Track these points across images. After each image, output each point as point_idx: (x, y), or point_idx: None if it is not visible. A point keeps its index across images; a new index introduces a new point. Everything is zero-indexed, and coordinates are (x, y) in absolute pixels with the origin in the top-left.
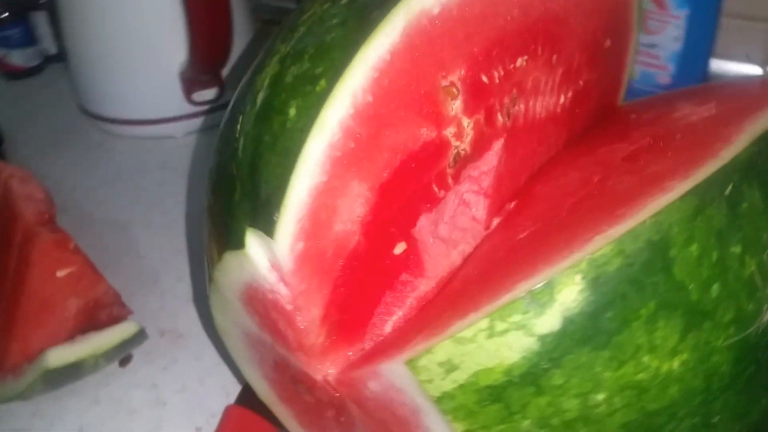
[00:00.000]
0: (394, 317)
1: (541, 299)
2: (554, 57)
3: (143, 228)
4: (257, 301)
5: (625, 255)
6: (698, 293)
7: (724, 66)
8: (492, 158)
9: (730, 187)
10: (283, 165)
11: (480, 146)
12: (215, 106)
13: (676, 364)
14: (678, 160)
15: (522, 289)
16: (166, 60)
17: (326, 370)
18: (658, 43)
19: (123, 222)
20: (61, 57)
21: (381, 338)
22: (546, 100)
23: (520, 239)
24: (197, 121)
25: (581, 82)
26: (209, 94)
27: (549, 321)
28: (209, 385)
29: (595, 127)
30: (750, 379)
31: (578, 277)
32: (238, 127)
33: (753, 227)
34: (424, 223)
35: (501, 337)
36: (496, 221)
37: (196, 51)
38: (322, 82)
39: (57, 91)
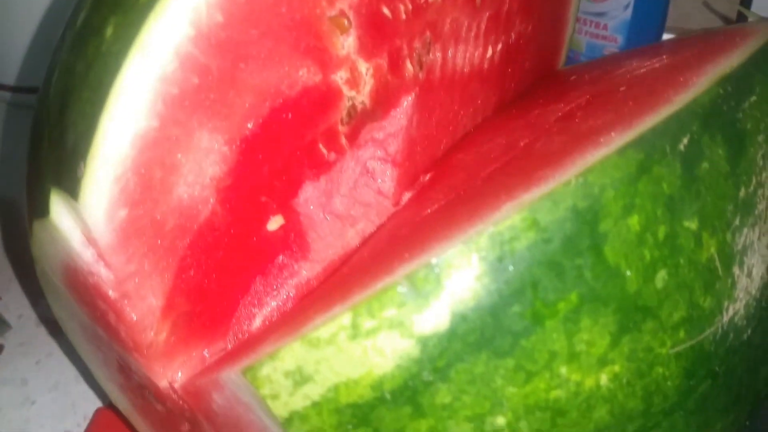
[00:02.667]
0: (266, 309)
1: (424, 287)
2: None
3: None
4: (80, 285)
5: (539, 228)
6: (638, 282)
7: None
8: (401, 117)
9: (686, 139)
10: (93, 102)
11: (384, 100)
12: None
13: (605, 378)
14: (620, 112)
15: (399, 273)
16: None
17: (173, 374)
18: (606, 12)
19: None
20: None
21: (247, 336)
22: (470, 51)
23: (426, 215)
24: None
25: (513, 34)
26: None
27: (434, 317)
28: (84, 384)
29: (531, 91)
30: (703, 398)
31: (475, 258)
32: (56, 57)
33: (715, 195)
34: (309, 193)
35: (369, 338)
36: (407, 195)
37: None
38: None
39: None
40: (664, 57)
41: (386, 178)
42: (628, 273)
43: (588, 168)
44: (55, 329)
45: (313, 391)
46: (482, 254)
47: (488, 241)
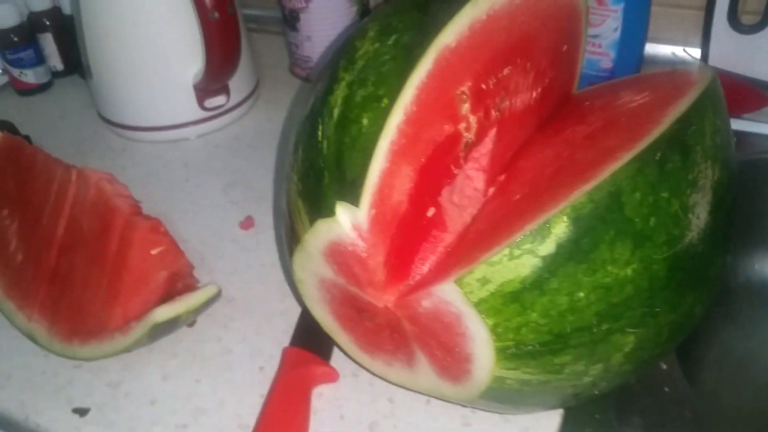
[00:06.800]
0: (429, 261)
1: (542, 233)
2: (528, 64)
3: (180, 218)
4: (338, 253)
5: (594, 201)
6: (641, 224)
7: (656, 49)
8: (488, 143)
9: (659, 153)
10: (362, 158)
11: (480, 135)
12: (223, 111)
13: (629, 271)
14: (624, 137)
15: (529, 228)
16: (180, 72)
17: (387, 299)
18: (600, 34)
19: (161, 214)
20: (66, 72)
21: (421, 275)
22: (523, 96)
23: (516, 200)
24: (209, 124)
25: (547, 80)
26: (219, 100)
27: (548, 246)
28: (263, 335)
29: (558, 112)
30: (679, 281)
31: (565, 218)
32: (320, 133)
33: (676, 179)
34: (445, 194)
35: (518, 259)
36: (491, 190)
37: (212, 67)
38: (385, 101)
39: (71, 104)
40: (646, 94)
41: (479, 180)
42: (636, 220)
43: (613, 172)
44: (228, 303)
45: (491, 287)
46: (568, 216)
47: (570, 210)
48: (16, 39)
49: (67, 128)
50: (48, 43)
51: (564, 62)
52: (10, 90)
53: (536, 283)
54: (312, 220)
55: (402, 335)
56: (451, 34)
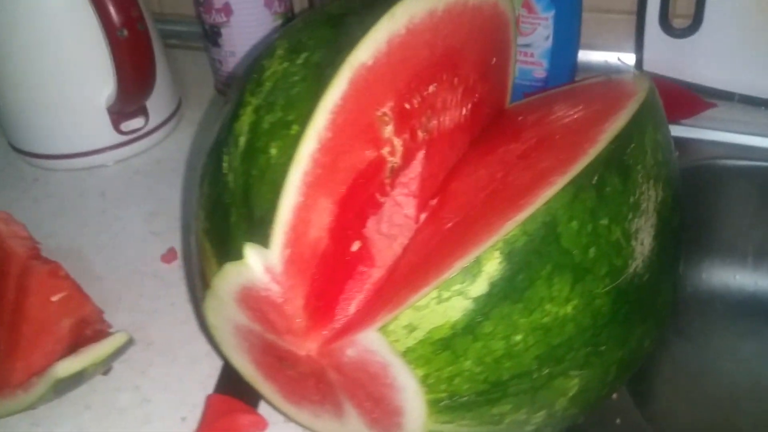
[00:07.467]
0: (356, 301)
1: (473, 271)
2: (455, 80)
3: (96, 253)
4: (251, 299)
5: (528, 234)
6: (580, 256)
7: (590, 55)
8: (416, 166)
9: (596, 177)
10: (272, 192)
11: (407, 158)
12: (142, 134)
13: (569, 308)
14: (558, 158)
15: (458, 266)
16: (92, 94)
17: (309, 346)
18: (532, 43)
19: (75, 250)
20: None
21: (348, 318)
22: (452, 114)
23: (448, 228)
24: (127, 149)
25: (477, 95)
26: (137, 123)
27: (479, 286)
28: (186, 381)
29: (490, 128)
30: (625, 315)
31: (497, 253)
32: (225, 165)
33: (615, 203)
34: (371, 224)
35: (447, 302)
36: (423, 216)
37: (125, 88)
38: (295, 127)
39: None
40: (581, 108)
41: (409, 206)
42: (575, 251)
43: (548, 200)
44: (147, 347)
45: (419, 335)
46: (501, 251)
47: (503, 244)
48: None
49: None
50: None
51: (494, 75)
52: None
53: (468, 328)
54: (220, 263)
55: (328, 385)
56: (367, 50)
